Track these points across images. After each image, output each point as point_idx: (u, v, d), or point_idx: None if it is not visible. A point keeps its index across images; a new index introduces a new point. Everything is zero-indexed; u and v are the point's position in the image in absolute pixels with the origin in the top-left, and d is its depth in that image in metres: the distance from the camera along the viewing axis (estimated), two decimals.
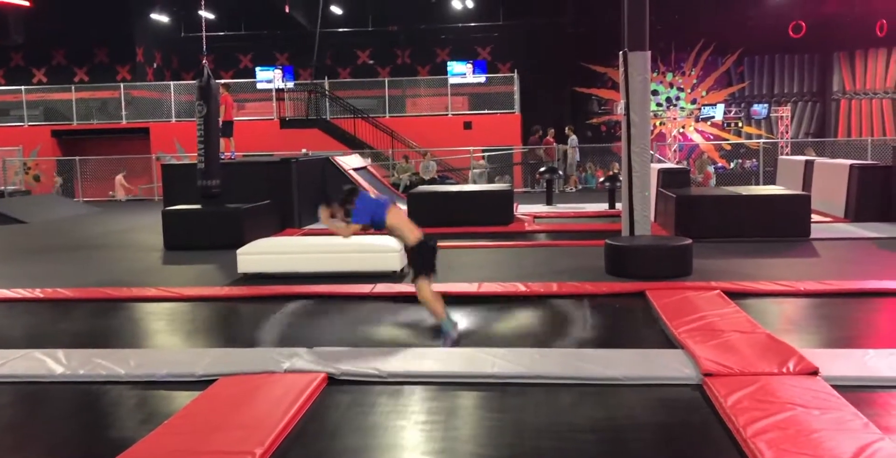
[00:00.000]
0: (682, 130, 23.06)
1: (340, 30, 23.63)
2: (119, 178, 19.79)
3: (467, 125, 20.20)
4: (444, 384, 4.16)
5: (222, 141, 11.60)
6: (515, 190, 13.63)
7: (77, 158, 20.22)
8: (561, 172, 17.18)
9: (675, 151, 21.82)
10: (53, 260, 9.48)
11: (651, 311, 5.69)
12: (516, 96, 20.49)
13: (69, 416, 4.03)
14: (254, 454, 3.13)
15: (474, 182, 17.57)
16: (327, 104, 20.88)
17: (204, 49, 11.21)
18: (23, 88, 21.61)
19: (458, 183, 17.90)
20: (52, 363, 4.56)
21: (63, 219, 14.59)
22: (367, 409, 3.85)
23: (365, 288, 6.67)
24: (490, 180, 18.54)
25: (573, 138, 19.65)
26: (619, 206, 10.95)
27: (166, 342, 5.58)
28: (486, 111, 20.60)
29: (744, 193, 10.05)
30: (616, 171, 16.25)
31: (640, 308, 5.88)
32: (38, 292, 6.91)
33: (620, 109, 8.40)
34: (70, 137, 21.30)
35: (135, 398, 4.18)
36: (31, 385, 4.38)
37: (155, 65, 23.83)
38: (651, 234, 8.35)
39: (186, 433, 3.42)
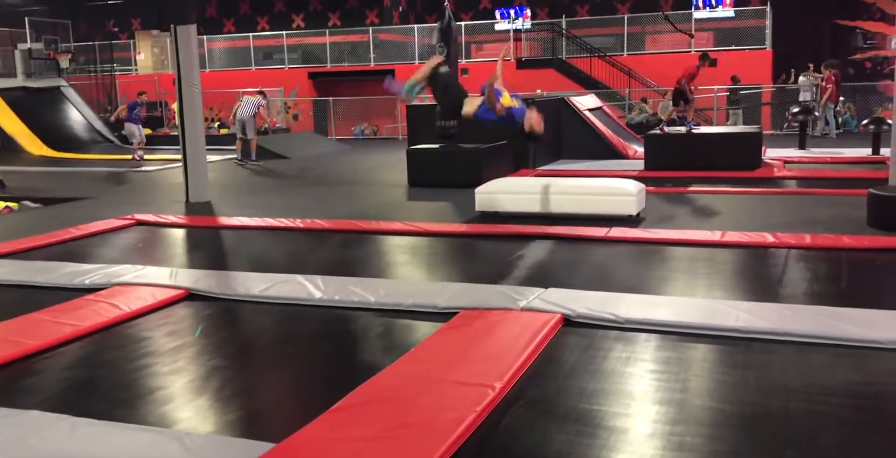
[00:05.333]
0: None
1: None
2: None
3: (712, 63, 18.99)
4: (682, 335, 4.04)
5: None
6: (764, 132, 12.71)
7: (330, 98, 21.64)
8: (817, 114, 15.72)
9: None
10: (311, 193, 10.32)
11: None
12: (768, 31, 18.91)
13: (324, 338, 4.41)
14: (493, 388, 3.24)
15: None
16: (563, 43, 20.57)
17: None
18: (283, 32, 23.35)
19: (699, 124, 17.00)
20: (312, 288, 4.99)
21: (318, 155, 15.76)
22: (601, 353, 3.85)
23: (600, 231, 6.61)
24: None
25: None
26: (885, 151, 9.88)
27: (410, 274, 5.89)
28: (733, 47, 19.25)
29: None
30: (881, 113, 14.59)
31: None
32: (298, 222, 7.56)
33: (895, 43, 7.47)
34: (324, 79, 22.79)
35: (383, 324, 4.48)
36: (293, 307, 4.82)
37: (400, 8, 24.67)
38: None
39: (432, 361, 3.61)
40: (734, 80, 17.86)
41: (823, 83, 15.75)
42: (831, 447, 2.84)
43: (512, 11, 22.58)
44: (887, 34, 19.45)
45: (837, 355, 3.71)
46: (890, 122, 8.12)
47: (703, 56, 12.26)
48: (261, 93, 14.92)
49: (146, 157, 15.17)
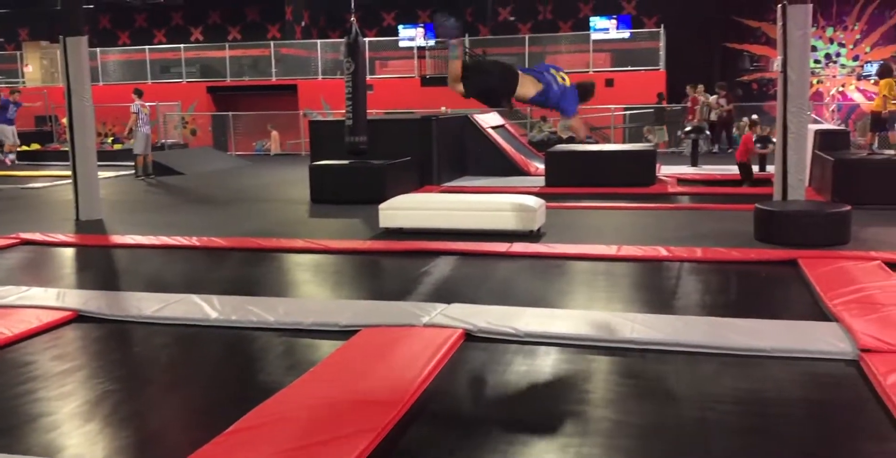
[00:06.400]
0: (841, 89, 21.51)
1: None
2: (275, 133, 20.71)
3: (609, 83, 19.64)
4: (580, 347, 4.12)
5: None
6: (658, 150, 13.20)
7: (230, 113, 21.23)
8: (708, 133, 16.40)
9: (832, 111, 20.41)
10: (208, 210, 10.06)
11: (803, 281, 5.40)
12: (662, 53, 19.69)
13: (221, 359, 4.30)
14: (395, 405, 3.22)
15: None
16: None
17: (352, 7, 11.37)
18: (182, 46, 22.78)
19: (597, 142, 17.50)
20: (208, 308, 4.85)
21: (217, 171, 15.40)
22: (501, 367, 3.88)
23: (502, 247, 6.69)
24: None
25: None
26: (770, 169, 10.41)
27: (312, 292, 5.81)
28: (629, 68, 19.94)
29: None
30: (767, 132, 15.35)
31: (791, 277, 5.59)
32: (194, 241, 7.35)
33: (776, 65, 7.90)
34: (223, 93, 22.34)
35: (282, 344, 4.39)
36: (188, 328, 4.67)
37: (303, 23, 24.48)
38: (805, 199, 7.90)
39: (332, 380, 3.56)
40: (659, 97, 18.44)
41: (690, 105, 16.44)
42: (722, 454, 2.94)
43: (417, 29, 22.77)
44: (771, 57, 20.56)
45: (726, 363, 3.85)
46: (775, 140, 8.58)
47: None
48: (136, 93, 14.04)
49: (28, 172, 14.50)
